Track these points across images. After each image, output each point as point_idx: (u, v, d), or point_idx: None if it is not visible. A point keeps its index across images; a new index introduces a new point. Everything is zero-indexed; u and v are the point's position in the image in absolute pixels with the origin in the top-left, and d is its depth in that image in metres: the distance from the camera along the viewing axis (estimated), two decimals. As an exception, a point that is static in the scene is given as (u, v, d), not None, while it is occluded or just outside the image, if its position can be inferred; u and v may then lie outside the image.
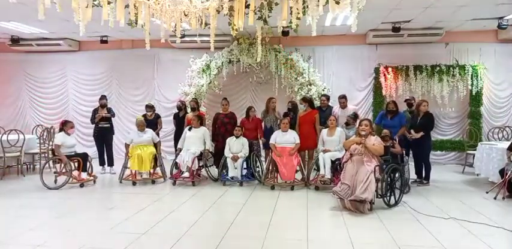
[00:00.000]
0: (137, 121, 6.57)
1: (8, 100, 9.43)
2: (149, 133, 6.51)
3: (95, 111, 7.24)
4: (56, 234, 3.80)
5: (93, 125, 7.26)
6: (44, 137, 7.38)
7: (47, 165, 7.42)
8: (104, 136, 7.22)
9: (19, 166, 6.90)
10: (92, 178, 6.18)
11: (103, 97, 7.40)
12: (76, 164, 6.02)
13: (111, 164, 7.22)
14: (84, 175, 6.06)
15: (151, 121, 7.12)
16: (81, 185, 5.93)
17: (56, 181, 5.98)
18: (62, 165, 5.95)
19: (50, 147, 7.03)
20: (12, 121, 9.34)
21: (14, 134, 6.64)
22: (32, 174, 7.17)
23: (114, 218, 4.30)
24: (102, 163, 7.21)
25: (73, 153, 6.08)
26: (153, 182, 6.29)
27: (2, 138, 6.53)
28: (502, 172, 5.27)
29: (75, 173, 6.03)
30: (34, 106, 9.41)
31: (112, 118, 7.39)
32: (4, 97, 9.42)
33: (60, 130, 6.11)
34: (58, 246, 3.50)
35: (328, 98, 7.07)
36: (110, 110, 7.35)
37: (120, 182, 6.26)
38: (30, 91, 9.39)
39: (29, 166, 7.38)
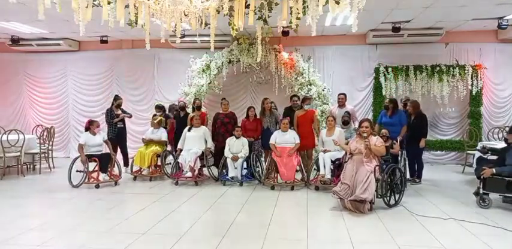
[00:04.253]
0: (155, 122, 6.82)
1: (8, 100, 9.42)
2: (159, 132, 6.79)
3: (111, 112, 7.14)
4: (56, 234, 3.79)
5: (108, 126, 7.21)
6: (44, 137, 7.39)
7: (47, 164, 7.47)
8: (121, 136, 7.25)
9: (19, 166, 6.90)
10: (112, 179, 6.09)
11: (119, 97, 7.39)
12: (95, 164, 6.01)
13: (126, 164, 7.17)
14: (102, 176, 5.99)
15: None
16: (97, 186, 5.84)
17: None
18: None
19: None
20: (12, 121, 9.34)
21: (14, 134, 6.64)
22: (32, 174, 7.18)
23: (114, 218, 4.31)
24: (125, 164, 7.17)
25: (97, 152, 6.06)
26: (151, 179, 6.48)
27: (2, 138, 6.54)
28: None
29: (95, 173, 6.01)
30: (34, 106, 9.41)
31: (126, 119, 7.39)
32: (4, 97, 9.42)
33: (86, 129, 6.14)
34: (58, 246, 3.50)
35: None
36: (124, 110, 7.38)
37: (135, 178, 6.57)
38: (30, 91, 9.39)
39: (29, 166, 7.37)
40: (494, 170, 4.61)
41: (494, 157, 5.10)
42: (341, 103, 6.81)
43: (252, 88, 8.60)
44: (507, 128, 7.72)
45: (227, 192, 5.70)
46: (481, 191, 4.75)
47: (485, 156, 5.27)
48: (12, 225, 4.07)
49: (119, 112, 7.19)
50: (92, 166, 6.03)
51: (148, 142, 6.75)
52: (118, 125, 7.14)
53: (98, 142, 6.12)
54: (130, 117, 7.47)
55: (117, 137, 7.12)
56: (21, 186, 6.18)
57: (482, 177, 4.70)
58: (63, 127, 9.28)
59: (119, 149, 7.18)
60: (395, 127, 6.02)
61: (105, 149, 6.36)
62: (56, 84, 9.30)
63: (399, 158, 5.68)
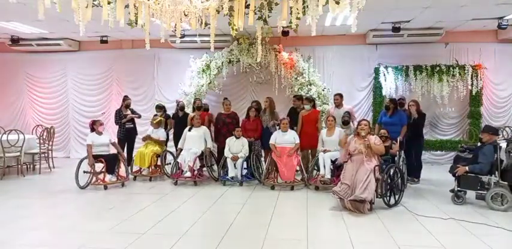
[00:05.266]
0: (154, 122, 6.83)
1: (8, 100, 9.42)
2: (159, 132, 6.81)
3: (120, 112, 7.21)
4: (56, 234, 3.80)
5: (117, 126, 7.27)
6: (44, 137, 7.39)
7: (47, 164, 7.47)
8: (129, 137, 7.28)
9: (19, 166, 6.90)
10: (119, 180, 5.99)
11: (127, 97, 7.42)
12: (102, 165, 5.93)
13: (129, 164, 7.04)
14: (108, 177, 5.90)
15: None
16: (105, 187, 5.78)
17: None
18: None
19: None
20: (12, 121, 9.33)
21: (14, 134, 6.64)
22: (32, 174, 7.18)
23: (114, 218, 4.30)
24: (129, 164, 7.10)
25: (104, 153, 5.99)
26: (151, 179, 6.49)
27: (2, 138, 6.54)
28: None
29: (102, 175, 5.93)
30: (34, 106, 9.41)
31: (135, 119, 7.42)
32: (4, 97, 9.42)
33: (92, 130, 6.11)
34: (58, 246, 3.50)
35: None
36: (133, 111, 7.40)
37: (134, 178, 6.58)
38: (30, 91, 9.38)
39: (29, 166, 7.37)
40: (467, 168, 4.78)
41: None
42: (337, 104, 6.76)
43: (252, 88, 8.60)
44: (507, 129, 7.76)
45: (227, 192, 5.70)
46: (456, 188, 4.93)
47: (463, 155, 5.36)
48: (12, 225, 4.07)
49: (128, 112, 7.23)
50: (99, 166, 5.93)
51: (147, 142, 6.75)
52: (127, 126, 7.18)
53: (104, 141, 6.04)
54: (139, 117, 7.51)
55: (126, 138, 7.17)
56: (21, 186, 6.17)
57: (456, 175, 4.88)
58: (63, 127, 9.28)
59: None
60: (395, 127, 6.02)
61: (112, 150, 6.28)
62: (56, 84, 9.30)
63: (396, 158, 5.68)
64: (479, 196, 4.84)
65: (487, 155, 4.72)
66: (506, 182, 4.80)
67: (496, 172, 4.76)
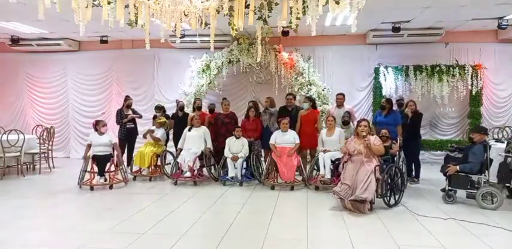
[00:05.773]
0: (158, 121, 6.85)
1: (8, 100, 9.42)
2: (160, 131, 6.78)
3: (121, 112, 7.24)
4: (56, 234, 3.80)
5: (118, 126, 7.31)
6: (44, 137, 7.39)
7: (47, 164, 7.46)
8: (130, 137, 7.29)
9: (19, 166, 6.90)
10: (107, 183, 5.88)
11: (129, 97, 7.44)
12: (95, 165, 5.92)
13: (129, 164, 7.07)
14: (96, 179, 5.84)
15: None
16: (91, 188, 5.73)
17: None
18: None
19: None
20: (12, 121, 9.33)
21: (14, 134, 6.64)
22: (32, 174, 7.17)
23: (114, 218, 4.30)
24: (129, 164, 7.07)
25: (103, 153, 5.92)
26: (150, 179, 6.49)
27: (2, 138, 6.53)
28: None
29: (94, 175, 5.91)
30: (34, 106, 9.41)
31: (136, 119, 7.44)
32: (4, 97, 9.42)
33: (95, 130, 6.10)
34: (58, 246, 3.50)
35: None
36: (134, 111, 7.41)
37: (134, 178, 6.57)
38: (30, 91, 9.38)
39: (28, 166, 7.37)
40: (458, 167, 4.82)
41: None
42: (339, 103, 6.76)
43: (252, 88, 8.60)
44: (507, 129, 7.76)
45: (227, 192, 5.70)
46: (447, 187, 4.97)
47: (453, 154, 5.42)
48: (12, 225, 4.08)
49: (129, 112, 7.23)
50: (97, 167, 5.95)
51: (147, 142, 6.77)
52: (128, 126, 7.19)
53: (104, 141, 5.97)
54: (140, 117, 7.54)
55: (127, 137, 7.17)
56: (21, 186, 6.17)
57: (447, 174, 4.91)
58: (63, 127, 9.28)
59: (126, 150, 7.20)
60: (390, 127, 6.03)
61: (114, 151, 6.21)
62: (56, 84, 9.30)
63: (396, 158, 5.67)
64: (470, 194, 4.90)
65: (477, 155, 4.76)
66: (503, 183, 4.81)
67: (486, 171, 4.79)
